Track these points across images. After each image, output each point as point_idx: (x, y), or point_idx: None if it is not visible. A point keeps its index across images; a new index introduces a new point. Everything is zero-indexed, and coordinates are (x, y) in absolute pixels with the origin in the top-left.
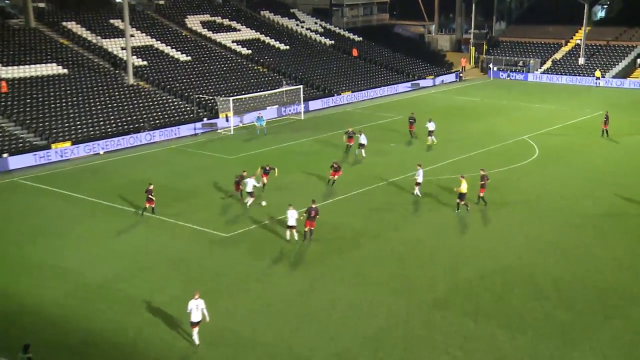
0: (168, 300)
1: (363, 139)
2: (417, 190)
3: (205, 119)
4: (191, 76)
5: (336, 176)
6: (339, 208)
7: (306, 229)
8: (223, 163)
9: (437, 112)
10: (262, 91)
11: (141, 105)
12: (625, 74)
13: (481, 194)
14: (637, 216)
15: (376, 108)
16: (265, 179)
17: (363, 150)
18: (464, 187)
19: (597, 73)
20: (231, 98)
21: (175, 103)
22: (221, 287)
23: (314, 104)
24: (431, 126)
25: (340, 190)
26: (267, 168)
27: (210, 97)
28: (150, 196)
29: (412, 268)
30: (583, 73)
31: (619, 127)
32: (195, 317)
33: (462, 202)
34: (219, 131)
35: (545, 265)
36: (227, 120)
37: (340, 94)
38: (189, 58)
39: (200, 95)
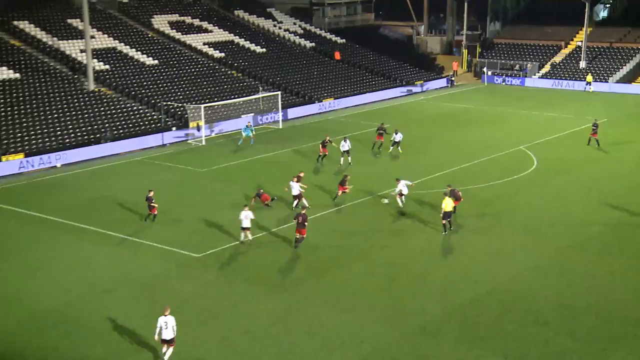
0: (132, 327)
1: (346, 145)
2: (399, 201)
3: (174, 128)
4: (158, 81)
5: (341, 192)
6: (320, 225)
7: (297, 236)
8: (194, 177)
9: (426, 120)
10: (237, 98)
11: (103, 113)
12: (630, 78)
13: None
14: None
15: (361, 116)
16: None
17: (349, 158)
18: (448, 205)
19: (589, 77)
20: (202, 105)
21: (141, 111)
22: (191, 313)
23: (294, 112)
24: (398, 137)
25: (321, 205)
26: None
27: (180, 105)
28: (151, 204)
29: (400, 291)
30: (584, 78)
31: (624, 137)
32: (166, 334)
33: (448, 221)
34: (189, 141)
35: (544, 287)
36: (198, 130)
37: (321, 101)
38: (156, 62)
39: (169, 103)
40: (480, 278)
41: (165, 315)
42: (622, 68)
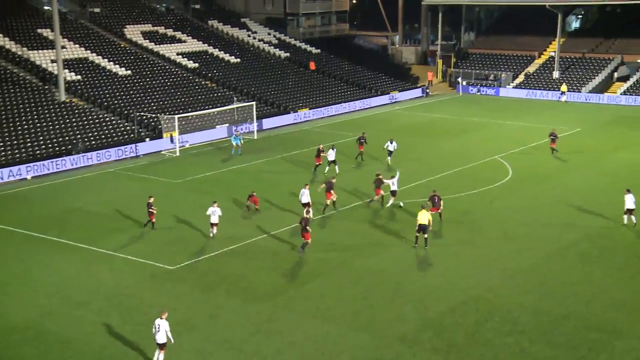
0: (106, 341)
1: (332, 156)
2: (391, 201)
3: (147, 139)
4: (131, 92)
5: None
6: (298, 235)
7: (305, 241)
8: (168, 188)
9: (402, 131)
10: (211, 108)
11: (74, 124)
12: (602, 88)
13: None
14: (622, 242)
15: (336, 126)
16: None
17: (336, 167)
18: (423, 218)
19: (563, 87)
20: (176, 116)
21: (114, 122)
22: None
23: (269, 122)
24: (392, 147)
25: (296, 216)
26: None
27: (153, 115)
28: (151, 209)
29: (379, 301)
30: (558, 88)
31: (599, 146)
32: (158, 338)
33: (425, 235)
34: (162, 152)
35: (522, 296)
36: (171, 141)
37: (296, 111)
38: (129, 72)
39: (142, 113)
40: (457, 287)
41: (161, 318)
42: (594, 78)
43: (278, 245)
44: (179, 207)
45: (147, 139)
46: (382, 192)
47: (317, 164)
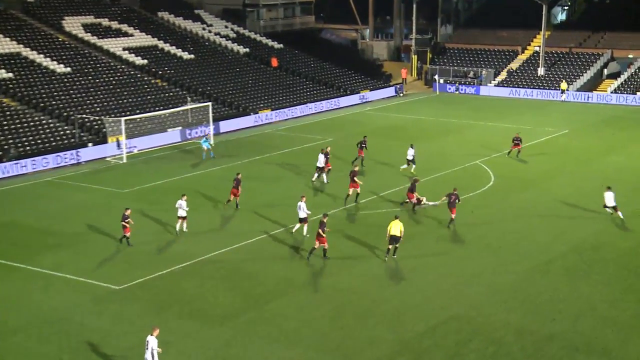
0: None
1: (321, 162)
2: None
3: (90, 144)
4: (71, 92)
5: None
6: (258, 250)
7: (316, 246)
8: (114, 198)
9: (373, 133)
10: (162, 110)
11: (6, 127)
12: (591, 86)
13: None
14: (611, 254)
15: (302, 129)
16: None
17: (324, 175)
18: (395, 229)
19: (563, 85)
20: (123, 118)
21: (51, 125)
22: (110, 352)
23: (227, 125)
24: (410, 154)
25: (257, 230)
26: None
27: (97, 118)
28: (125, 222)
29: (350, 321)
30: (543, 85)
31: (587, 149)
32: (147, 355)
33: (395, 246)
34: (108, 159)
35: (506, 314)
36: (118, 146)
37: (257, 113)
38: (69, 69)
39: (84, 116)
40: (437, 304)
41: (151, 335)
42: (582, 75)
43: (237, 262)
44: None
45: (90, 144)
46: (416, 196)
47: (329, 168)
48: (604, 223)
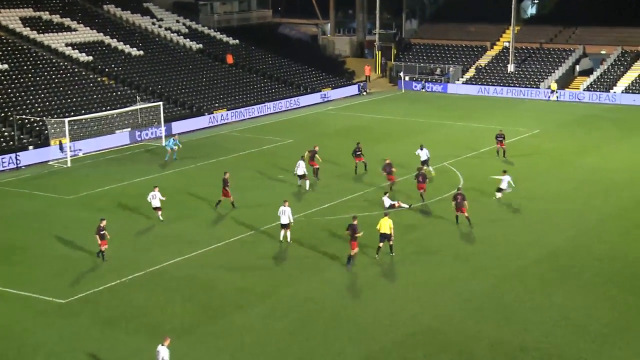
0: None
1: (301, 169)
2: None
3: (30, 147)
4: (9, 90)
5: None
6: (214, 259)
7: (352, 252)
8: (58, 206)
9: (336, 135)
10: (109, 110)
11: None
12: (563, 83)
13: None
14: (585, 260)
15: (259, 130)
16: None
17: (307, 182)
18: (385, 226)
19: (553, 85)
20: (66, 119)
21: None
22: None
23: (179, 126)
24: (423, 154)
25: (211, 237)
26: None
27: (38, 119)
28: (102, 233)
29: (313, 334)
30: (514, 83)
31: (560, 150)
32: None
33: (389, 243)
34: (50, 163)
35: (477, 325)
36: (61, 149)
37: (212, 113)
38: (6, 66)
39: (23, 116)
40: (405, 315)
41: (162, 345)
42: (554, 72)
43: (190, 272)
44: (71, 228)
45: (31, 147)
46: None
47: (315, 167)
48: (579, 227)
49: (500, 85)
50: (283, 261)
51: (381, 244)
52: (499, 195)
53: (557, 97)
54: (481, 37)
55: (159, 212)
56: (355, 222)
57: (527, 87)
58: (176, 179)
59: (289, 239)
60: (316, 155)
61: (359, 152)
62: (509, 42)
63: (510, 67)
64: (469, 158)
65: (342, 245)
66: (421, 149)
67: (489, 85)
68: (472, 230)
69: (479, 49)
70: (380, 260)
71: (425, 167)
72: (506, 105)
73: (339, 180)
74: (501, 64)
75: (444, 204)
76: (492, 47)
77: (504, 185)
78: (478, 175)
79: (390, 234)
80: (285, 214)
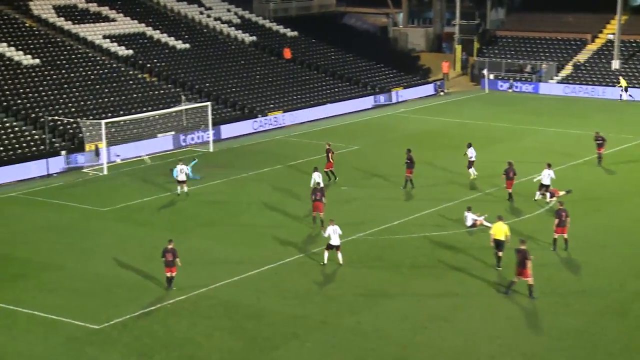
0: None
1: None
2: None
3: (63, 152)
4: (41, 88)
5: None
6: (264, 283)
7: (515, 280)
8: (92, 218)
9: (407, 140)
10: (151, 110)
11: None
12: None
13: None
14: None
15: (320, 135)
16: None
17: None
18: (499, 232)
19: (623, 82)
20: (103, 121)
21: (16, 129)
22: None
23: (229, 130)
24: (471, 153)
25: (263, 258)
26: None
27: (71, 120)
28: (168, 258)
29: None
30: (619, 82)
31: None
32: None
33: (499, 253)
34: (85, 170)
35: None
36: (97, 154)
37: (266, 115)
38: (37, 61)
39: (56, 118)
40: (483, 353)
41: None
42: None
43: (237, 297)
44: (106, 244)
45: (63, 153)
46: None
47: (328, 170)
48: None
49: (603, 85)
50: (342, 286)
51: (498, 252)
52: (545, 198)
53: (629, 97)
54: (580, 28)
55: (184, 186)
56: (524, 247)
57: (636, 87)
58: (224, 190)
59: (340, 261)
60: (330, 154)
61: (408, 162)
62: (613, 34)
63: (615, 64)
64: (562, 169)
65: (412, 268)
66: (468, 147)
67: (589, 84)
68: (568, 255)
69: (578, 43)
70: (453, 289)
71: (471, 170)
72: (609, 108)
73: (408, 194)
74: (604, 60)
75: (531, 224)
76: (593, 41)
77: (546, 181)
78: (574, 190)
79: (505, 241)
80: (336, 234)
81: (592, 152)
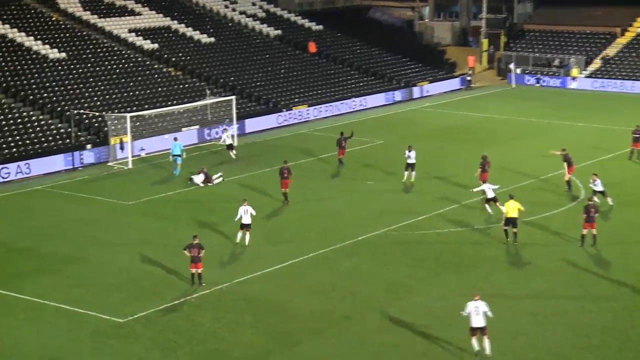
0: None
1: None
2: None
3: (89, 146)
4: (66, 82)
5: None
6: (288, 278)
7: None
8: (117, 212)
9: (432, 136)
10: (175, 104)
11: None
12: None
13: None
14: None
15: (345, 129)
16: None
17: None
18: (512, 210)
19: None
20: (128, 115)
21: (42, 122)
22: None
23: (253, 124)
24: (412, 157)
25: (288, 253)
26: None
27: (97, 114)
28: (194, 254)
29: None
30: None
31: None
32: None
33: (514, 229)
34: (110, 164)
35: None
36: (121, 148)
37: (291, 109)
38: (63, 55)
39: (81, 111)
40: (514, 354)
41: None
42: None
43: (260, 292)
44: (131, 238)
45: (89, 146)
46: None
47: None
48: None
49: (633, 80)
50: (366, 281)
51: (506, 228)
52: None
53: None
54: (610, 22)
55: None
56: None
57: None
58: (248, 182)
59: (246, 242)
60: (343, 142)
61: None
62: None
63: None
64: (590, 165)
65: (438, 260)
66: (409, 150)
67: (619, 79)
68: (597, 251)
69: (607, 37)
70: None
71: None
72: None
73: (432, 189)
74: (634, 54)
75: (556, 220)
76: (622, 34)
77: (490, 194)
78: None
79: (517, 217)
80: (247, 214)
81: (620, 146)
